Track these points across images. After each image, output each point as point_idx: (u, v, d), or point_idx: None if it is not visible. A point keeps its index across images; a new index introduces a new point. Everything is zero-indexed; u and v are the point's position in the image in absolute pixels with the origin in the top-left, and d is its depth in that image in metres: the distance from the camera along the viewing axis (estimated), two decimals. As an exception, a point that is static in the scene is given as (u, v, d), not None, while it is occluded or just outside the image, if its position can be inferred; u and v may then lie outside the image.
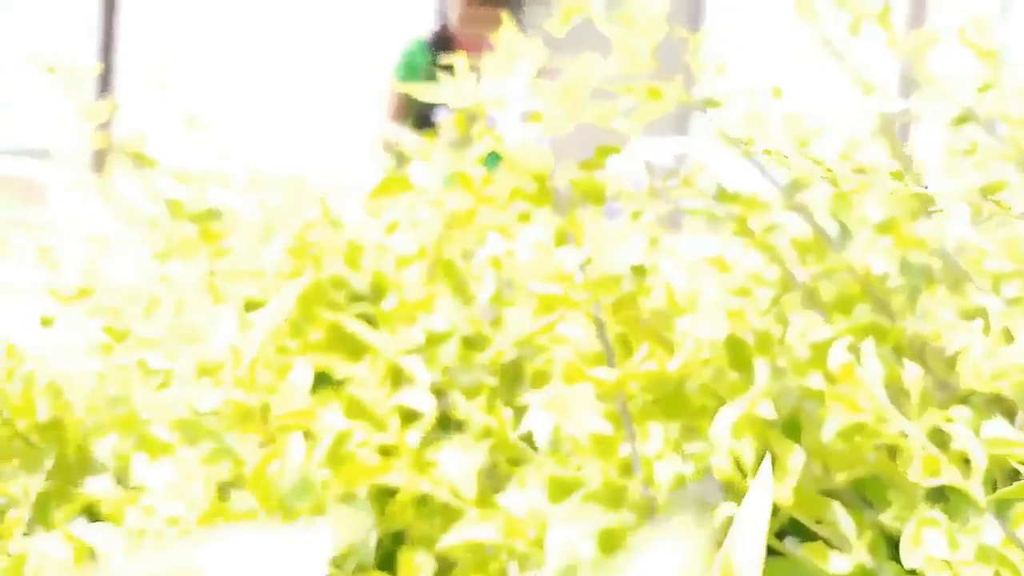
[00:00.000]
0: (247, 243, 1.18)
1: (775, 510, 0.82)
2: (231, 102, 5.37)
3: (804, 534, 0.83)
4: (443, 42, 3.86)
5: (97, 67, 1.38)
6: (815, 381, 0.85)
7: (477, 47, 3.73)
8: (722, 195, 0.80)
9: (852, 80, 0.97)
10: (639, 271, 0.77)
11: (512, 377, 1.07)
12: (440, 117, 2.48)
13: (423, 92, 0.80)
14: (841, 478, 0.82)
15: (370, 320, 1.21)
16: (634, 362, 0.69)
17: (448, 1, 3.81)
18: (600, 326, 0.72)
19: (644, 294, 0.75)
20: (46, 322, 1.34)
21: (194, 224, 1.26)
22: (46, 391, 1.09)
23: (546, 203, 0.79)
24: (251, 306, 1.03)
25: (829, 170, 0.73)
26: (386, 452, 0.81)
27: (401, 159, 4.40)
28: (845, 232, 0.85)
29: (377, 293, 1.29)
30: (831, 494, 0.82)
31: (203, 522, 0.68)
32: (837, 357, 0.61)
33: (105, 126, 1.35)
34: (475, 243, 1.04)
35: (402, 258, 1.04)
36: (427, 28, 3.78)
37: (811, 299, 0.98)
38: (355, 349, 1.09)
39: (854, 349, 0.83)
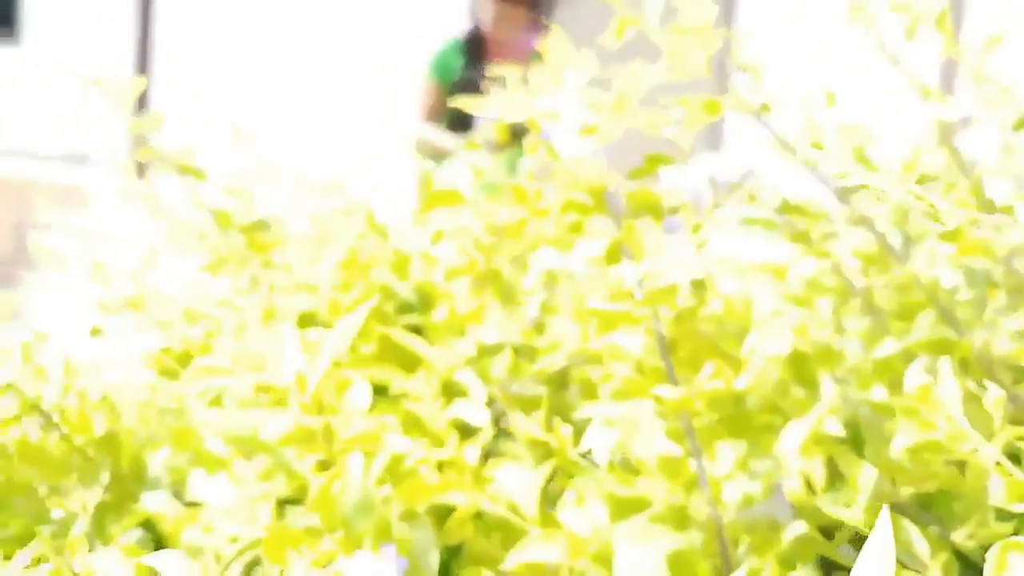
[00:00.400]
0: (297, 255, 1.18)
1: (839, 524, 0.81)
2: (265, 105, 5.40)
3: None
4: (476, 43, 3.87)
5: (139, 81, 1.39)
6: (878, 394, 0.84)
7: (509, 48, 3.73)
8: (786, 207, 0.79)
9: (909, 85, 0.95)
10: (698, 285, 0.76)
11: (556, 386, 1.06)
12: (480, 122, 2.46)
13: (478, 108, 0.80)
14: (906, 492, 0.81)
15: (417, 330, 1.21)
16: (700, 379, 0.68)
17: (480, 2, 3.81)
18: (661, 342, 0.71)
19: (704, 309, 0.74)
20: (96, 332, 1.35)
21: (243, 235, 1.26)
22: (100, 404, 1.09)
23: (602, 216, 0.78)
24: (305, 320, 1.03)
25: (893, 182, 0.72)
26: (442, 467, 0.80)
27: (436, 159, 4.40)
28: (908, 242, 0.84)
29: (424, 303, 1.29)
30: (896, 509, 0.81)
31: (265, 541, 0.68)
32: (914, 378, 0.59)
33: (146, 136, 1.36)
34: (524, 254, 1.03)
35: (452, 269, 1.03)
36: (460, 29, 3.78)
37: (870, 309, 0.97)
38: (406, 361, 1.09)
39: (932, 363, 0.81)
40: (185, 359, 1.07)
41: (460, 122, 3.79)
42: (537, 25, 3.84)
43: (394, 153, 4.37)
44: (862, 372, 0.82)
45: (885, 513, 0.33)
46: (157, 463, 1.07)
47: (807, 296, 0.91)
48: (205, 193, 1.30)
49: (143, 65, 5.68)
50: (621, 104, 0.87)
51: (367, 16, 5.46)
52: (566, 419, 1.07)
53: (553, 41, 0.92)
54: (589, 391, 1.03)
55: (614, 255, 0.79)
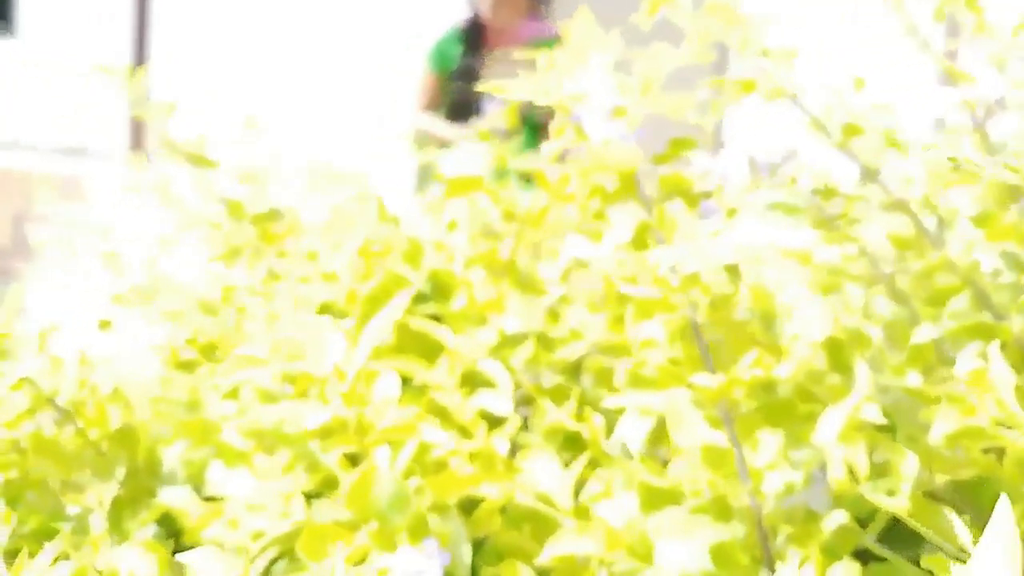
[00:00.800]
0: (310, 244, 1.17)
1: (872, 514, 0.79)
2: (263, 97, 5.37)
3: (899, 539, 0.81)
4: (475, 31, 3.84)
5: (142, 69, 1.37)
6: (912, 380, 0.82)
7: (509, 36, 3.69)
8: (824, 190, 0.77)
9: (939, 67, 0.94)
10: (732, 271, 0.74)
11: (572, 375, 1.05)
12: (488, 108, 2.44)
13: (512, 90, 0.78)
14: (942, 480, 0.80)
15: (434, 320, 1.19)
16: (741, 367, 0.66)
17: (480, -11, 3.77)
18: (697, 329, 0.70)
19: (738, 295, 0.73)
20: (105, 325, 1.34)
21: (255, 225, 1.25)
22: (113, 397, 1.08)
23: (632, 200, 0.76)
24: (323, 309, 1.01)
25: (927, 164, 0.70)
26: (471, 458, 0.79)
27: (437, 148, 4.38)
28: (942, 225, 0.82)
29: (439, 292, 1.27)
30: (931, 496, 0.80)
31: (295, 537, 0.67)
32: (967, 363, 0.58)
33: (151, 126, 1.34)
34: (545, 241, 1.02)
35: (472, 258, 1.02)
36: (459, 17, 3.75)
37: (897, 294, 0.95)
38: (426, 351, 1.07)
39: (959, 348, 0.80)
40: (206, 350, 1.05)
41: (460, 111, 3.76)
42: (536, 12, 3.81)
43: (393, 143, 4.34)
44: (895, 358, 0.81)
45: (1005, 500, 0.32)
46: (172, 457, 1.05)
47: (834, 282, 0.90)
48: (216, 182, 1.28)
49: (140, 57, 5.65)
50: (648, 87, 0.85)
51: (365, 6, 5.42)
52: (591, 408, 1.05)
53: (577, 22, 0.90)
54: (606, 379, 1.02)
55: (643, 241, 0.78)
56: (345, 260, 1.04)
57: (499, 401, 0.86)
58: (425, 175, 3.87)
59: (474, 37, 3.83)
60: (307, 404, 0.60)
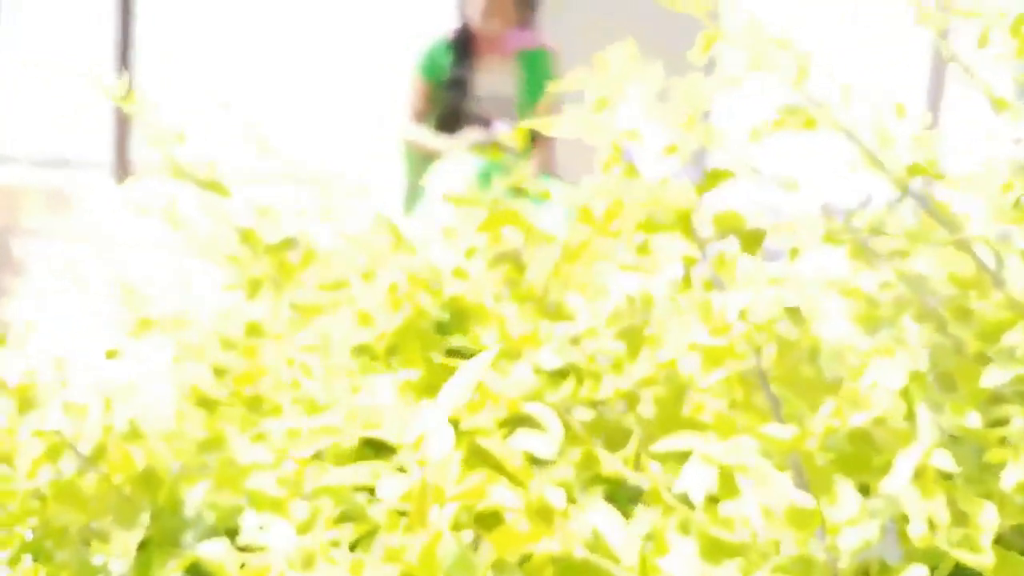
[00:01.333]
0: (330, 276, 1.13)
1: (937, 563, 0.77)
2: (251, 106, 5.32)
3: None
4: (465, 41, 3.81)
5: (128, 78, 1.33)
6: (973, 421, 0.80)
7: (499, 45, 3.67)
8: (883, 228, 0.75)
9: (985, 96, 0.92)
10: (794, 314, 0.72)
11: (603, 413, 1.02)
12: (498, 129, 2.42)
13: (563, 126, 0.75)
14: (1006, 525, 0.78)
15: (460, 353, 1.16)
16: (816, 417, 0.64)
17: (468, -1, 3.75)
18: (764, 378, 0.68)
19: (803, 340, 0.70)
20: (112, 354, 1.30)
21: (270, 256, 1.21)
22: (131, 436, 1.04)
23: (687, 240, 0.74)
24: (359, 352, 0.98)
25: (989, 202, 0.68)
26: (526, 509, 0.76)
27: (426, 160, 4.33)
28: (1000, 263, 0.81)
29: (457, 319, 1.24)
30: (999, 542, 0.78)
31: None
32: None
33: (132, 133, 1.29)
34: (583, 275, 0.99)
35: (511, 293, 0.99)
36: (448, 27, 3.72)
37: (944, 326, 0.93)
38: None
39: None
40: (232, 390, 1.01)
41: (450, 121, 3.73)
42: (526, 21, 3.79)
43: (382, 154, 4.31)
44: (956, 400, 0.79)
45: None
46: (195, 498, 1.01)
47: (888, 316, 0.88)
48: (227, 208, 1.24)
49: (124, 62, 5.58)
50: (693, 121, 0.83)
51: (354, 15, 5.39)
52: (617, 447, 1.02)
53: (617, 51, 0.88)
54: (643, 419, 0.99)
55: (688, 281, 0.75)
56: (371, 295, 1.01)
57: (543, 444, 0.84)
58: (414, 185, 3.84)
59: (464, 46, 3.80)
60: (383, 469, 0.57)
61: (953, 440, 0.85)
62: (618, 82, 0.87)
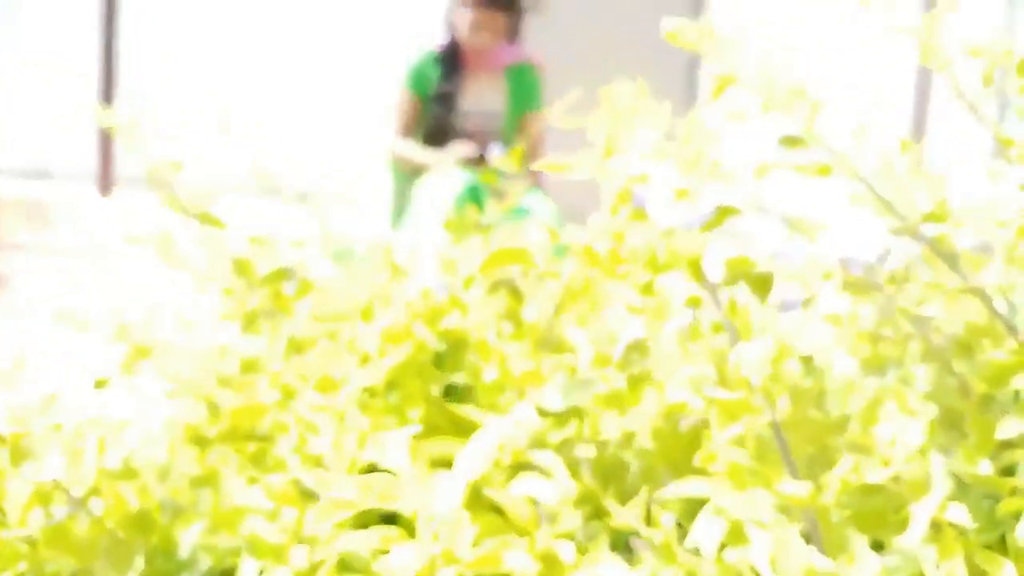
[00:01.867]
0: (328, 309, 1.11)
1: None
2: (234, 115, 5.29)
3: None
4: (452, 54, 3.80)
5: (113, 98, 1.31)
6: (984, 469, 0.79)
7: (486, 58, 3.66)
8: (902, 278, 0.74)
9: (991, 134, 0.91)
10: (808, 363, 0.71)
11: (606, 454, 1.00)
12: (493, 154, 2.41)
13: (573, 170, 0.74)
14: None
15: (454, 390, 1.14)
16: (833, 474, 0.63)
17: (455, 12, 3.74)
18: (779, 432, 0.66)
19: (818, 392, 0.69)
20: (101, 384, 1.28)
21: (265, 286, 1.19)
22: (124, 474, 1.02)
23: (698, 284, 0.73)
24: (365, 392, 0.96)
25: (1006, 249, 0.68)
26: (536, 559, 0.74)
27: (413, 174, 4.30)
28: (1013, 311, 0.80)
29: (454, 351, 1.23)
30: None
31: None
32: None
33: (114, 144, 1.27)
34: (585, 313, 0.98)
35: (512, 333, 0.97)
36: (435, 40, 3.71)
37: (948, 369, 0.92)
38: (458, 423, 1.02)
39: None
40: (228, 429, 0.99)
41: (437, 135, 3.72)
42: (514, 36, 3.78)
43: (370, 167, 4.29)
44: (968, 447, 0.78)
45: None
46: (190, 540, 0.99)
47: (896, 359, 0.87)
48: (221, 238, 1.22)
49: (108, 73, 5.54)
50: (715, 168, 0.82)
51: (341, 26, 5.37)
52: (624, 492, 1.01)
53: (622, 94, 0.87)
54: (648, 460, 0.98)
55: (698, 329, 0.74)
56: (369, 333, 0.99)
57: (549, 491, 0.82)
58: (401, 199, 3.82)
59: (452, 60, 3.78)
60: (396, 538, 0.56)
61: (962, 485, 0.84)
62: (625, 121, 0.86)
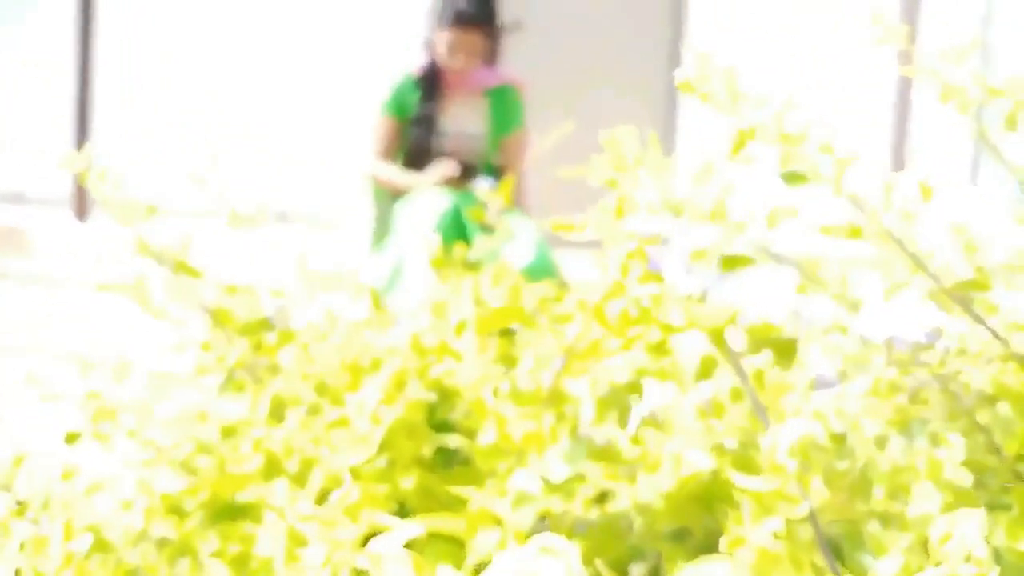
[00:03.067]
0: (314, 368, 1.05)
1: None
2: (213, 139, 5.21)
3: None
4: (431, 77, 3.75)
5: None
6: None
7: (465, 80, 3.61)
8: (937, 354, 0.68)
9: (1013, 174, 0.86)
10: (838, 441, 0.65)
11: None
12: (481, 186, 2.36)
13: (584, 231, 0.68)
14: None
15: (445, 426, 1.07)
16: (881, 570, 0.57)
17: (433, 34, 3.70)
18: (815, 521, 0.60)
19: (850, 471, 0.64)
20: (72, 439, 1.21)
21: (245, 336, 1.13)
22: (96, 547, 0.95)
23: (722, 354, 0.67)
24: (355, 474, 0.89)
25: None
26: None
27: (393, 197, 4.24)
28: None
29: (444, 400, 1.17)
30: None
31: None
32: None
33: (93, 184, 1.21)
34: (594, 374, 0.92)
35: (518, 395, 0.91)
36: (415, 63, 3.66)
37: (976, 427, 0.87)
38: (452, 492, 0.96)
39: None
40: (206, 500, 0.92)
41: (417, 158, 3.67)
42: (492, 58, 3.74)
43: (350, 190, 4.23)
44: (1009, 522, 0.72)
45: None
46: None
47: (924, 419, 0.81)
48: (198, 288, 1.16)
49: (83, 101, 5.44)
50: (721, 212, 0.76)
51: (321, 47, 5.31)
52: (623, 556, 0.95)
53: (645, 148, 0.81)
54: (651, 527, 0.92)
55: (735, 394, 0.68)
56: (360, 400, 0.92)
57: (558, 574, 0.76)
58: (382, 222, 3.77)
59: (431, 83, 3.74)
60: None
61: (999, 557, 0.78)
62: (630, 173, 0.80)
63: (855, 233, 0.69)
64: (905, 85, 4.77)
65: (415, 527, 0.54)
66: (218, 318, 1.14)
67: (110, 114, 5.43)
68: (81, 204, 5.46)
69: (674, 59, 5.49)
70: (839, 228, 0.69)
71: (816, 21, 4.93)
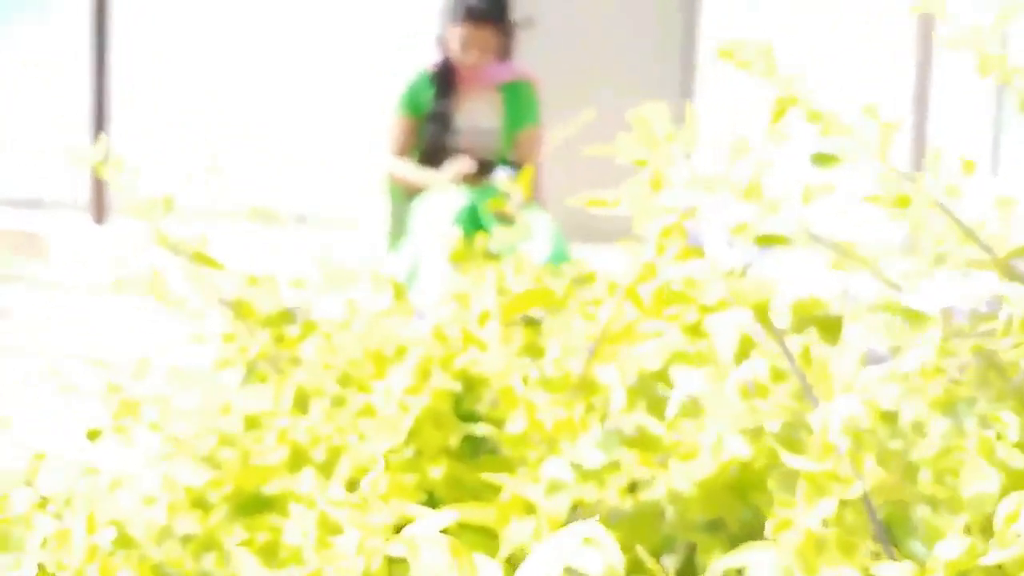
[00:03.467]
0: (340, 359, 1.03)
1: None
2: (229, 139, 5.21)
3: None
4: (445, 74, 3.74)
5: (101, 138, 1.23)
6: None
7: (479, 76, 3.59)
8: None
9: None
10: (892, 422, 0.62)
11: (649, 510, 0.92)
12: (499, 176, 2.33)
13: (618, 205, 0.65)
14: None
15: (472, 417, 1.05)
16: (941, 554, 0.54)
17: (447, 30, 3.68)
18: (870, 504, 0.58)
19: (907, 454, 0.61)
20: (94, 435, 1.19)
21: (267, 328, 1.11)
22: (119, 543, 0.93)
23: (767, 332, 0.64)
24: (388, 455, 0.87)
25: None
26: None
27: (409, 194, 4.22)
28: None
29: (469, 389, 1.14)
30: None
31: None
32: None
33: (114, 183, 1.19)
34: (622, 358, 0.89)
35: (549, 381, 0.88)
36: (429, 60, 3.65)
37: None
38: (481, 480, 0.94)
39: None
40: (230, 492, 0.90)
41: (433, 155, 3.65)
42: (506, 53, 3.72)
43: (366, 188, 4.21)
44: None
45: None
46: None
47: (971, 399, 0.78)
48: (218, 280, 1.14)
49: (99, 109, 5.44)
50: (755, 190, 0.73)
51: (336, 44, 5.29)
52: (658, 543, 0.92)
53: (654, 116, 0.78)
54: (685, 515, 0.89)
55: (777, 378, 0.66)
56: (387, 390, 0.90)
57: (597, 565, 0.74)
58: (399, 220, 3.76)
59: (445, 80, 3.72)
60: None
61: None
62: (661, 148, 0.77)
63: (903, 202, 0.66)
64: (923, 78, 4.72)
65: (448, 516, 0.52)
66: (239, 310, 1.12)
67: (127, 118, 5.43)
68: (99, 209, 5.46)
69: (687, 55, 5.46)
70: (885, 199, 0.66)
71: (828, 19, 4.89)
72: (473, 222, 3.52)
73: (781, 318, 0.67)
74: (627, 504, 0.93)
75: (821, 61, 4.86)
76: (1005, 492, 0.68)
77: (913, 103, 4.66)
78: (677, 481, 0.81)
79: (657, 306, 0.74)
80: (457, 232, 3.37)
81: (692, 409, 0.75)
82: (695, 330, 0.80)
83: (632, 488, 0.97)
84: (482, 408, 1.12)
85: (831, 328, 0.66)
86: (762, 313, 0.64)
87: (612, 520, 0.92)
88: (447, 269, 1.44)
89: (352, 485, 0.78)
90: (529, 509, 0.81)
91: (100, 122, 5.47)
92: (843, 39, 4.95)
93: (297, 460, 0.88)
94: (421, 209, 3.59)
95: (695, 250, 0.66)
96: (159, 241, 1.10)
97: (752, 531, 0.87)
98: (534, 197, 3.72)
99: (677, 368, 0.75)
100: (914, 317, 0.64)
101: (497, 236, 1.43)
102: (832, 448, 0.57)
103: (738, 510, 0.89)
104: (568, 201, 0.80)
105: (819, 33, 5.04)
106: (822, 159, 0.79)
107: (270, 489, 0.89)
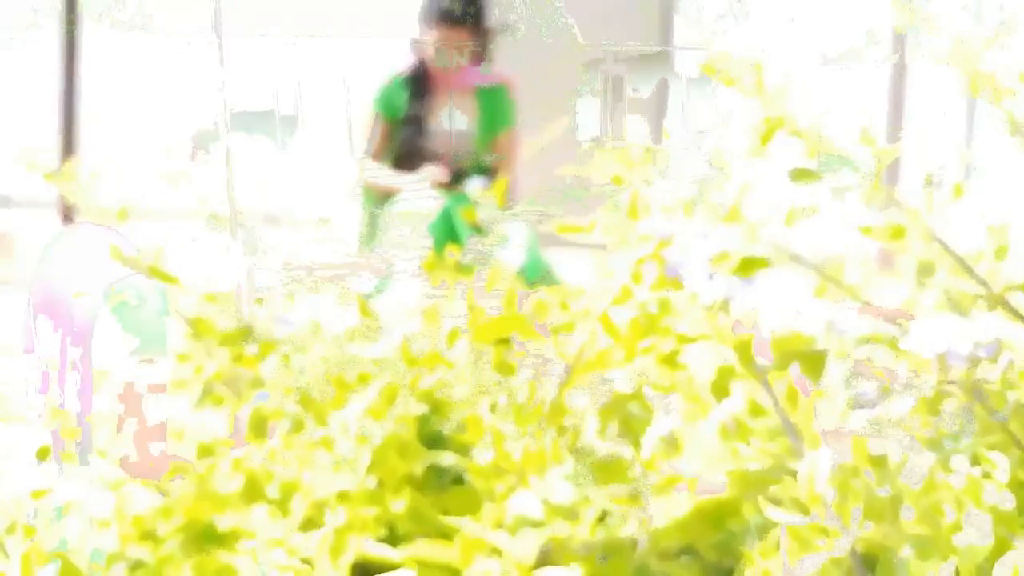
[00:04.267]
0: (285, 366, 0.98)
1: None
2: (205, 142, 5.14)
3: None
4: (420, 78, 3.70)
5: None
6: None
7: (454, 80, 3.56)
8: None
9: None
10: (879, 464, 0.58)
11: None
12: (473, 185, 2.29)
13: (596, 233, 0.61)
14: None
15: (448, 472, 1.00)
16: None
17: (422, 32, 3.65)
18: (856, 559, 0.54)
19: (895, 499, 0.57)
20: (44, 454, 1.15)
21: (225, 346, 1.06)
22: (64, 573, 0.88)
23: (747, 371, 0.60)
24: (343, 498, 0.82)
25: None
26: None
27: (383, 198, 4.18)
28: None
29: (436, 412, 1.10)
30: None
31: None
32: None
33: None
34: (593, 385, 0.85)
35: (518, 413, 0.84)
36: (404, 65, 3.60)
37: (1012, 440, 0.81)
38: (445, 514, 0.89)
39: None
40: (182, 524, 0.85)
41: (408, 159, 3.61)
42: (481, 57, 3.69)
43: (340, 192, 4.16)
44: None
45: None
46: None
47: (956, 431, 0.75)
48: (177, 296, 1.09)
49: (68, 106, 5.35)
50: (736, 214, 0.69)
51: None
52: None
53: (656, 142, 0.74)
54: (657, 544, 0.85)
55: (756, 410, 0.62)
56: (347, 417, 0.85)
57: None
58: (373, 223, 3.72)
59: (420, 84, 3.69)
60: None
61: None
62: (641, 172, 0.73)
63: (898, 234, 0.62)
64: (898, 92, 4.72)
65: (404, 562, 0.48)
66: (197, 329, 1.07)
67: (96, 115, 5.34)
68: (67, 207, 5.38)
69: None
70: (879, 230, 0.62)
71: (806, 25, 4.89)
72: (447, 228, 3.48)
73: (763, 354, 0.63)
74: (598, 536, 0.89)
75: (799, 68, 4.86)
76: (995, 534, 0.65)
77: (887, 115, 4.67)
78: (654, 517, 0.77)
79: (632, 336, 0.70)
80: (430, 241, 3.34)
81: (670, 444, 0.72)
82: (671, 360, 0.76)
83: (603, 517, 0.93)
84: (449, 429, 1.07)
85: (815, 364, 0.62)
86: (744, 350, 0.60)
87: (583, 552, 0.88)
88: (418, 279, 1.40)
89: (308, 523, 0.73)
90: (494, 549, 0.77)
91: (69, 119, 5.38)
92: (820, 45, 4.94)
93: (252, 492, 0.83)
94: (394, 214, 3.56)
95: (674, 282, 0.62)
96: (113, 255, 1.05)
97: (727, 557, 0.83)
98: (508, 200, 3.69)
99: (648, 394, 0.71)
100: (909, 359, 0.60)
101: (471, 246, 1.39)
102: (819, 499, 0.53)
103: (713, 538, 0.86)
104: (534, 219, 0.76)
105: (796, 41, 5.03)
106: (801, 175, 0.75)
107: (223, 523, 0.84)
